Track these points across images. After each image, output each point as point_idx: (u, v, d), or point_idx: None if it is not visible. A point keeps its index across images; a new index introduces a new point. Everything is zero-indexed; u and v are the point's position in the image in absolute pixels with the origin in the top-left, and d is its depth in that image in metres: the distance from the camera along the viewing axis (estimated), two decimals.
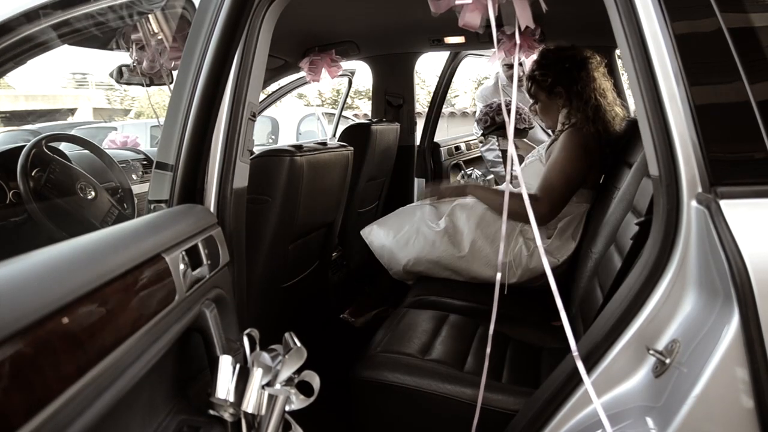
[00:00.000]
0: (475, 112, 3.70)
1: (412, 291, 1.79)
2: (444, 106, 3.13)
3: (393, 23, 2.16)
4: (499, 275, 0.91)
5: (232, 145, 1.06)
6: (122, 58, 1.49)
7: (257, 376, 0.77)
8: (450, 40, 2.35)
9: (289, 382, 0.79)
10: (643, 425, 0.72)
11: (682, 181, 0.75)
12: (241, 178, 1.10)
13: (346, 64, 2.52)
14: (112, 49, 1.45)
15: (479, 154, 3.24)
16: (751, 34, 0.75)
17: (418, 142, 2.93)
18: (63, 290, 0.53)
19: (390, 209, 2.11)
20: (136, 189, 2.02)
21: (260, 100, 1.56)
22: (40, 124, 8.36)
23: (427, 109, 2.99)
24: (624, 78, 2.33)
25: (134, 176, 2.24)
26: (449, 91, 3.08)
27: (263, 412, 0.77)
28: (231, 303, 0.99)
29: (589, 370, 0.81)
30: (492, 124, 2.58)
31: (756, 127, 0.71)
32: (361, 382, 1.24)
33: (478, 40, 2.29)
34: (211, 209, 1.05)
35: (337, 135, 2.64)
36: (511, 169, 0.92)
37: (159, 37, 1.36)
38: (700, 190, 0.74)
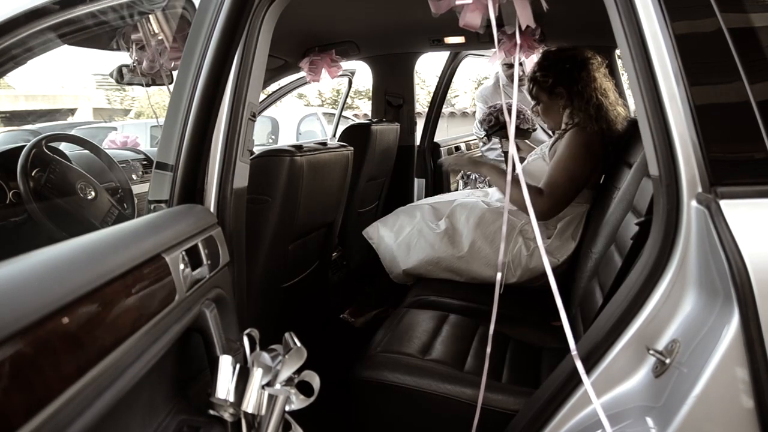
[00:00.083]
0: (475, 112, 3.71)
1: (412, 291, 1.79)
2: (444, 106, 3.13)
3: (393, 23, 2.16)
4: (499, 275, 0.91)
5: (232, 145, 1.06)
6: (122, 58, 1.49)
7: (257, 376, 0.77)
8: (450, 40, 2.35)
9: (289, 382, 0.79)
10: (643, 425, 0.72)
11: (682, 181, 0.75)
12: (241, 178, 1.10)
13: (346, 64, 2.52)
14: (112, 49, 1.45)
15: (479, 154, 3.24)
16: (751, 34, 0.75)
17: (418, 142, 2.94)
18: (63, 290, 0.53)
19: (390, 209, 2.11)
20: (136, 189, 2.02)
21: (260, 100, 1.56)
22: (40, 124, 8.36)
23: (427, 109, 2.99)
24: (624, 78, 2.33)
25: (134, 176, 2.24)
26: (449, 91, 3.08)
27: (263, 412, 0.77)
28: (231, 303, 0.99)
29: (589, 370, 0.81)
30: (496, 123, 2.58)
31: (756, 127, 0.71)
32: (361, 382, 1.24)
33: (478, 40, 2.29)
34: (211, 209, 1.05)
35: (337, 135, 2.64)
36: (512, 170, 0.92)
37: (159, 38, 1.36)
38: (700, 190, 0.74)
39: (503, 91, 2.69)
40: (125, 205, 1.90)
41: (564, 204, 1.68)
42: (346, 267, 2.32)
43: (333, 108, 9.59)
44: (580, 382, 0.81)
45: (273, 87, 2.97)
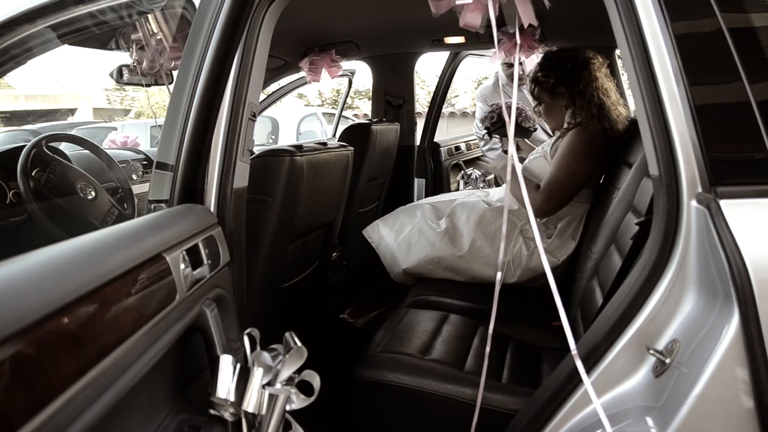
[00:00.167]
0: (474, 112, 3.70)
1: (412, 291, 1.79)
2: (444, 106, 3.13)
3: (393, 23, 2.16)
4: (499, 274, 0.91)
5: (232, 145, 1.06)
6: (122, 58, 1.49)
7: (258, 376, 0.77)
8: (450, 40, 2.35)
9: (289, 381, 0.79)
10: (643, 425, 0.73)
11: (682, 181, 0.75)
12: (241, 178, 1.10)
13: (346, 64, 2.51)
14: (112, 49, 1.45)
15: (479, 154, 3.24)
16: (751, 34, 0.75)
17: (418, 142, 2.94)
18: (63, 290, 0.53)
19: (390, 209, 2.11)
20: (136, 189, 2.02)
21: (260, 100, 1.56)
22: (40, 124, 8.35)
23: (427, 109, 2.99)
24: (624, 78, 2.33)
25: (134, 176, 2.24)
26: (449, 91, 3.08)
27: (264, 411, 0.77)
28: (231, 303, 0.99)
29: (589, 370, 0.81)
30: (499, 120, 2.57)
31: (756, 127, 0.71)
32: (361, 382, 1.24)
33: (479, 40, 2.29)
34: (211, 209, 1.05)
35: (337, 135, 2.63)
36: (512, 170, 0.92)
37: (159, 37, 1.36)
38: (700, 190, 0.74)
39: (503, 90, 2.69)
40: (125, 205, 1.90)
41: (564, 201, 1.69)
42: (346, 267, 2.32)
43: (333, 108, 9.59)
44: (580, 381, 0.81)
45: (273, 87, 2.97)
